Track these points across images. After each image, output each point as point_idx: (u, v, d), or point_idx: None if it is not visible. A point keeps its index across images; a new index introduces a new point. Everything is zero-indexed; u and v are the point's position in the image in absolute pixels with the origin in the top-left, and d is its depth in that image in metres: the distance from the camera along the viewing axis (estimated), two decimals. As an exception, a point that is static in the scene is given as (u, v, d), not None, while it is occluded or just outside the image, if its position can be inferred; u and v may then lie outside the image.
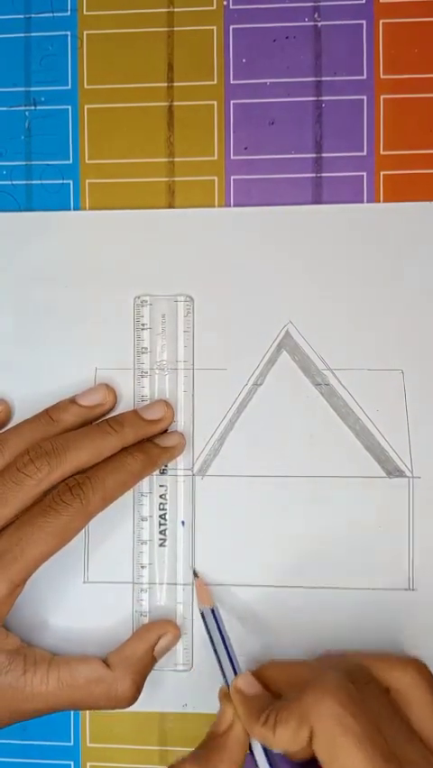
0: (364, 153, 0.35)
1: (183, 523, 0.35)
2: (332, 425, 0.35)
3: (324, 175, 0.35)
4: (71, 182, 0.36)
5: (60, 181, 0.36)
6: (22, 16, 0.36)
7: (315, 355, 0.35)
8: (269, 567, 0.35)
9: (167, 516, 0.35)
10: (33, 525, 0.30)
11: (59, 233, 0.36)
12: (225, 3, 0.35)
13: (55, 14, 0.36)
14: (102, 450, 0.32)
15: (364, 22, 0.35)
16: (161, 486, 0.35)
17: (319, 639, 0.34)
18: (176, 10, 0.35)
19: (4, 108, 0.36)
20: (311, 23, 0.35)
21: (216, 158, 0.35)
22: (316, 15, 0.35)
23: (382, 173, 0.35)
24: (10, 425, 0.34)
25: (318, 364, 0.35)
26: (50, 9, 0.36)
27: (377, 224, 0.35)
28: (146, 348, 0.35)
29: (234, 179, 0.35)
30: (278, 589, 0.34)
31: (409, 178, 0.35)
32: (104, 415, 0.35)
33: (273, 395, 0.35)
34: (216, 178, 0.35)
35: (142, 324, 0.35)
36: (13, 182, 0.36)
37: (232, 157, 0.35)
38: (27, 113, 0.36)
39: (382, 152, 0.35)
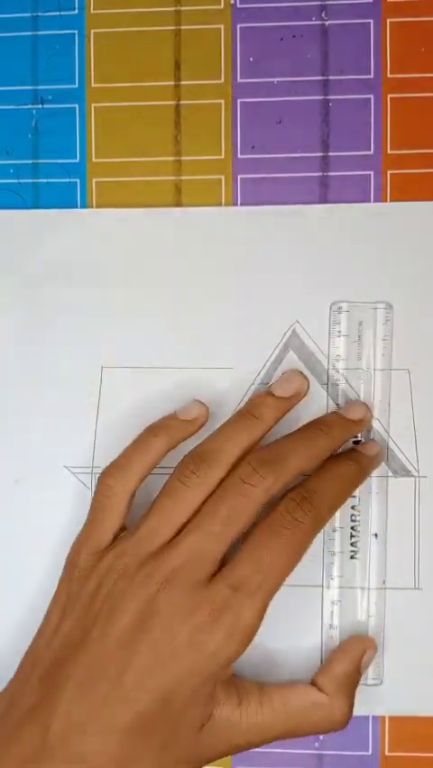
0: (371, 152, 0.35)
1: (376, 535, 0.34)
2: (338, 425, 0.35)
3: (331, 174, 0.35)
4: (78, 180, 0.36)
5: (67, 180, 0.36)
6: (29, 15, 0.36)
7: (321, 354, 0.35)
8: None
9: (359, 528, 0.34)
10: (271, 550, 0.29)
11: (66, 231, 0.36)
12: (232, 1, 0.35)
13: (62, 13, 0.36)
14: (318, 454, 0.31)
15: (372, 21, 0.35)
16: (352, 496, 0.34)
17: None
18: (183, 9, 0.35)
19: (12, 107, 0.36)
20: (318, 22, 0.35)
21: (222, 156, 0.35)
22: (323, 14, 0.35)
23: (389, 172, 0.35)
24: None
25: (325, 364, 0.35)
26: (57, 7, 0.36)
27: (384, 223, 0.35)
28: (340, 356, 0.34)
29: (240, 178, 0.35)
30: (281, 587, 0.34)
31: (417, 177, 0.35)
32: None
33: (280, 394, 0.35)
34: (222, 177, 0.35)
35: (338, 332, 0.34)
36: (20, 180, 0.36)
37: (239, 156, 0.35)
38: (34, 111, 0.36)
39: (389, 151, 0.35)
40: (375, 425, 0.34)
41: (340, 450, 0.33)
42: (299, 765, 0.35)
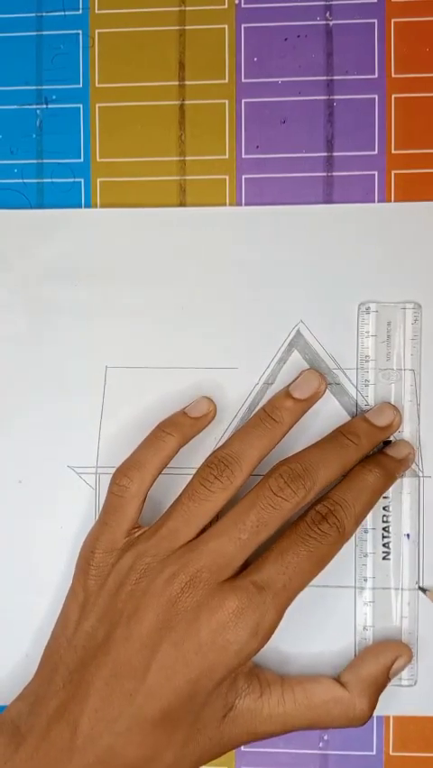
0: (376, 152, 0.35)
1: (408, 536, 0.34)
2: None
3: (335, 174, 0.35)
4: (82, 180, 0.36)
5: (72, 179, 0.36)
6: (33, 15, 0.36)
7: (325, 354, 0.35)
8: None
9: (390, 529, 0.34)
10: (298, 555, 0.30)
11: (71, 231, 0.36)
12: (236, 1, 0.35)
13: (67, 13, 0.36)
14: (346, 464, 0.32)
15: (376, 21, 0.35)
16: (384, 497, 0.34)
17: (327, 638, 0.34)
18: (187, 9, 0.35)
19: (16, 106, 0.36)
20: (323, 22, 0.35)
21: (227, 156, 0.35)
22: (327, 14, 0.35)
23: (393, 172, 0.35)
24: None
25: (329, 363, 0.35)
26: (61, 7, 0.36)
27: (388, 223, 0.35)
28: (369, 356, 0.34)
29: (245, 178, 0.35)
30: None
31: (421, 177, 0.35)
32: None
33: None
34: (227, 177, 0.35)
35: (367, 332, 0.34)
36: (25, 180, 0.36)
37: (243, 156, 0.35)
38: (38, 111, 0.36)
39: (393, 151, 0.35)
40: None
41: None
42: (303, 765, 0.34)
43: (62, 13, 0.36)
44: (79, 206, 0.36)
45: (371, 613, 0.34)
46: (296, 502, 0.30)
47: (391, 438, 0.34)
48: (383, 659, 0.33)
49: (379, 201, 0.35)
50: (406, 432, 0.34)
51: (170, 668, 0.29)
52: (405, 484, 0.34)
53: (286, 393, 0.33)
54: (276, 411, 0.32)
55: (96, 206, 0.36)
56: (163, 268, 0.35)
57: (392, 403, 0.34)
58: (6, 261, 0.36)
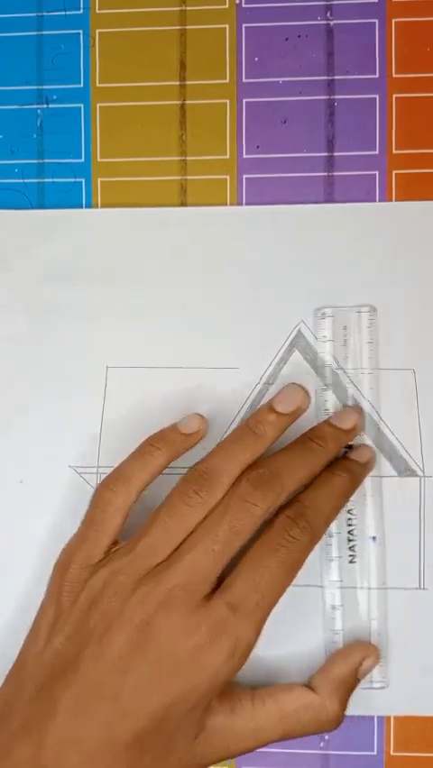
0: (377, 152, 0.35)
1: (374, 538, 0.34)
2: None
3: (336, 173, 0.35)
4: (83, 180, 0.36)
5: (72, 179, 0.36)
6: (34, 14, 0.36)
7: (327, 354, 0.35)
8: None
9: (355, 532, 0.34)
10: (270, 568, 0.29)
11: (71, 231, 0.36)
12: (237, 1, 0.35)
13: (67, 13, 0.36)
14: (314, 468, 0.31)
15: (377, 20, 0.35)
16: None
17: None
18: (188, 8, 0.35)
19: (17, 106, 0.36)
20: (324, 22, 0.35)
21: (228, 156, 0.35)
22: (328, 14, 0.35)
23: (394, 172, 0.35)
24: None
25: (330, 364, 0.35)
26: (62, 7, 0.36)
27: (389, 222, 0.35)
28: (326, 361, 0.34)
29: (246, 178, 0.35)
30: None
31: (422, 176, 0.35)
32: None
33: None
34: (228, 177, 0.35)
35: (324, 337, 0.34)
36: (26, 180, 0.36)
37: (244, 155, 0.35)
38: (39, 111, 0.36)
39: (394, 151, 0.35)
40: (379, 423, 0.34)
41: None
42: (304, 765, 0.34)
43: (63, 13, 0.36)
44: (80, 206, 0.36)
45: (340, 616, 0.34)
46: (266, 507, 0.30)
47: (353, 443, 0.34)
48: (351, 660, 0.32)
49: (380, 200, 0.35)
50: (380, 431, 0.34)
51: (144, 690, 0.28)
52: (367, 487, 0.34)
53: (269, 407, 0.32)
54: (259, 425, 0.32)
55: (96, 206, 0.36)
56: (164, 268, 0.35)
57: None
58: (7, 261, 0.36)
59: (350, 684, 0.32)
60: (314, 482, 0.32)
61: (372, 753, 0.34)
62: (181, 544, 0.30)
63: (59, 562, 0.32)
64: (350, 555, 0.34)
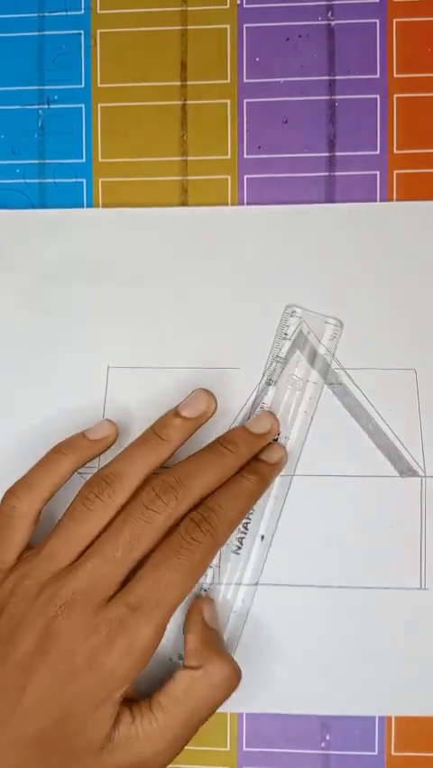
0: (378, 152, 0.35)
1: (262, 537, 0.34)
2: (345, 425, 0.35)
3: (337, 174, 0.35)
4: (84, 181, 0.36)
5: (74, 180, 0.36)
6: (35, 15, 0.36)
7: (328, 354, 0.35)
8: (281, 565, 0.35)
9: (249, 527, 0.34)
10: (170, 569, 0.29)
11: (72, 231, 0.36)
12: (238, 1, 0.35)
13: (68, 13, 0.36)
14: (223, 473, 0.31)
15: (378, 21, 0.35)
16: None
17: (330, 638, 0.34)
18: (189, 9, 0.36)
19: (18, 107, 0.36)
20: (325, 22, 0.35)
21: (229, 156, 0.35)
22: (329, 14, 0.35)
23: (395, 172, 0.35)
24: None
25: (332, 364, 0.35)
26: (63, 8, 0.36)
27: (390, 222, 0.35)
28: (280, 357, 0.34)
29: (247, 178, 0.35)
30: (289, 588, 0.34)
31: (423, 176, 0.35)
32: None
33: (286, 394, 0.35)
34: (229, 177, 0.35)
35: (285, 334, 0.34)
36: (27, 180, 0.36)
37: (245, 156, 0.35)
38: (40, 111, 0.36)
39: (395, 151, 0.35)
40: (380, 423, 0.34)
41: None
42: (305, 765, 0.34)
43: (64, 14, 0.36)
44: (81, 207, 0.36)
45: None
46: (168, 514, 0.30)
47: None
48: (195, 620, 0.32)
49: (381, 201, 0.35)
50: (292, 439, 0.34)
51: (45, 691, 0.29)
52: (274, 486, 0.34)
53: (175, 412, 0.33)
54: (163, 429, 0.32)
55: (97, 207, 0.36)
56: (165, 268, 0.35)
57: (282, 410, 0.34)
58: (8, 261, 0.36)
59: (212, 639, 0.32)
60: (222, 485, 0.32)
61: (373, 753, 0.34)
62: (88, 547, 0.30)
63: None
64: (236, 546, 0.34)
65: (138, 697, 0.31)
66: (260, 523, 0.34)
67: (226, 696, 0.31)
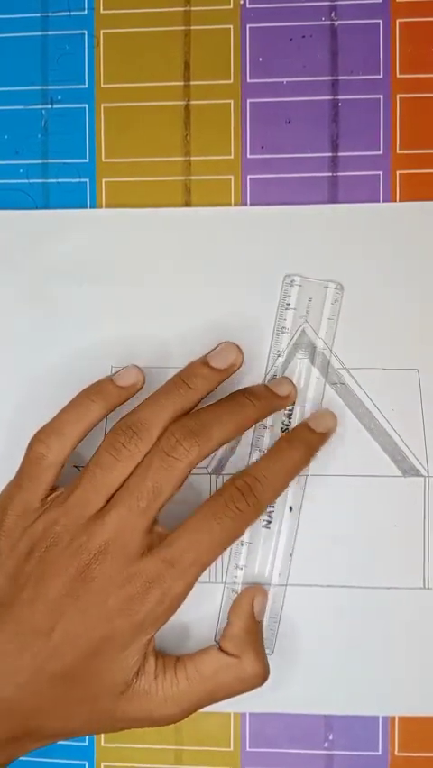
0: (381, 152, 0.35)
1: (291, 509, 0.34)
2: (347, 425, 0.35)
3: (340, 174, 0.35)
4: (88, 181, 0.36)
5: (77, 180, 0.36)
6: (38, 15, 0.36)
7: (330, 354, 0.35)
8: (283, 565, 0.35)
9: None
10: (210, 532, 0.30)
11: (76, 231, 0.36)
12: (241, 2, 0.35)
13: (72, 13, 0.36)
14: (243, 423, 0.31)
15: (381, 21, 0.35)
16: None
17: (333, 637, 0.34)
18: (193, 9, 0.36)
19: (21, 107, 0.36)
20: (328, 22, 0.35)
21: (232, 157, 0.35)
22: (332, 14, 0.35)
23: (398, 172, 0.35)
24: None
25: (334, 363, 0.35)
26: (66, 8, 0.36)
27: (393, 223, 0.35)
28: (285, 328, 0.35)
29: (250, 178, 0.35)
30: (291, 588, 0.34)
31: (426, 177, 0.35)
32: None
33: (289, 394, 0.35)
34: (232, 177, 0.35)
35: (288, 304, 0.34)
36: (30, 180, 0.36)
37: (248, 156, 0.35)
38: (44, 111, 0.36)
39: (398, 151, 0.35)
40: (383, 423, 0.34)
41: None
42: (308, 765, 0.34)
43: (67, 14, 0.36)
44: (85, 207, 0.36)
45: (241, 576, 0.34)
46: (189, 461, 0.30)
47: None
48: (244, 609, 0.32)
49: (384, 201, 0.35)
50: (307, 407, 0.34)
51: (74, 631, 0.30)
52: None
53: (203, 361, 0.32)
54: (191, 378, 0.32)
55: (101, 207, 0.36)
56: (168, 268, 0.35)
57: (298, 376, 0.35)
58: (12, 261, 0.36)
59: (255, 632, 0.32)
60: (269, 453, 0.32)
61: (376, 753, 0.34)
62: (114, 494, 0.31)
63: None
64: (265, 521, 0.34)
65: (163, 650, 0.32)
66: (286, 495, 0.34)
67: (246, 691, 0.31)
